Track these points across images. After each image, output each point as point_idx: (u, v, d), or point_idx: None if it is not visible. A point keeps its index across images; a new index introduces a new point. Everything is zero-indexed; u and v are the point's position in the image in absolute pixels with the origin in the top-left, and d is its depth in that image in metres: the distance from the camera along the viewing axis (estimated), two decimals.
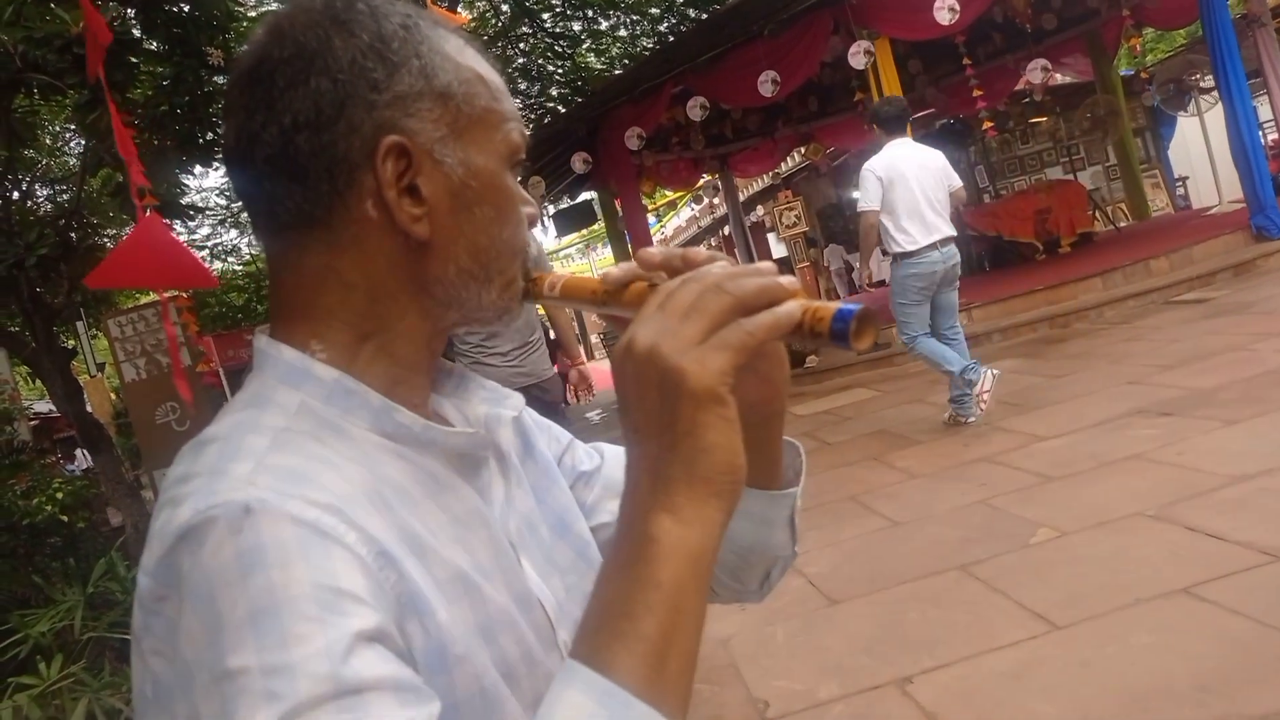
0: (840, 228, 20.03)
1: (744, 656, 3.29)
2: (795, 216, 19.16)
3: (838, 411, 7.30)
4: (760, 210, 20.74)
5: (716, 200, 18.07)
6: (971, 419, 5.57)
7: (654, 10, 12.58)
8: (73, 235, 6.32)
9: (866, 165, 5.64)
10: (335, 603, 0.52)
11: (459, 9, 11.38)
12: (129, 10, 5.25)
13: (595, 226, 16.38)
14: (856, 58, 8.14)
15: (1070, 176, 14.59)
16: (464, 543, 0.67)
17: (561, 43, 13.01)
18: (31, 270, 5.21)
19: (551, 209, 12.82)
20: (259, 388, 0.67)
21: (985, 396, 5.49)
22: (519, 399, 0.83)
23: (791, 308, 0.56)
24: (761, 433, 0.73)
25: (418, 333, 0.70)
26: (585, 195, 12.92)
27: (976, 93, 9.37)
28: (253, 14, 7.09)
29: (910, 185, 5.39)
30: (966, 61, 9.22)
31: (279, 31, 0.66)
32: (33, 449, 7.21)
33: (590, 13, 12.63)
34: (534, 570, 0.74)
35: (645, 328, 0.56)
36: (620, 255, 12.27)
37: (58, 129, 8.93)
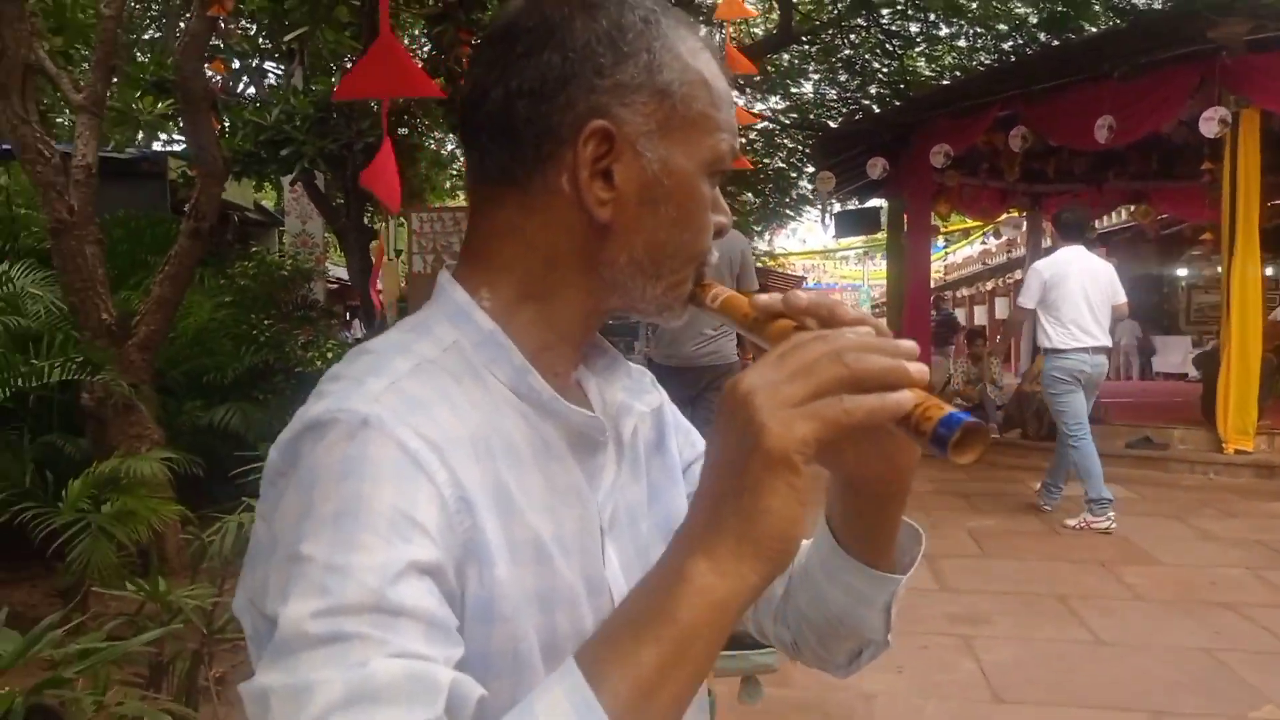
0: (1154, 304, 18.17)
1: None
2: None
3: (1080, 501, 6.64)
4: None
5: (1016, 238, 16.91)
6: (1047, 508, 6.07)
7: (1001, 26, 11.81)
8: (402, 131, 6.96)
9: (1035, 264, 5.98)
10: (405, 529, 0.57)
11: None
12: None
13: (878, 236, 15.87)
14: (1209, 124, 7.22)
15: None
16: (553, 513, 0.69)
17: (894, 42, 12.55)
18: (359, 154, 5.80)
19: (836, 207, 12.52)
20: (426, 317, 0.72)
21: (1090, 524, 5.64)
22: (657, 396, 0.87)
23: (903, 397, 0.55)
24: (877, 511, 0.73)
25: (577, 307, 0.73)
26: (875, 202, 12.49)
27: None
28: None
29: (1072, 289, 5.55)
30: None
31: (532, 3, 0.71)
32: (322, 309, 8.09)
33: (932, 16, 12.07)
34: (618, 560, 0.75)
35: (757, 372, 0.56)
36: (895, 271, 11.80)
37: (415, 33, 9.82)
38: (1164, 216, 13.43)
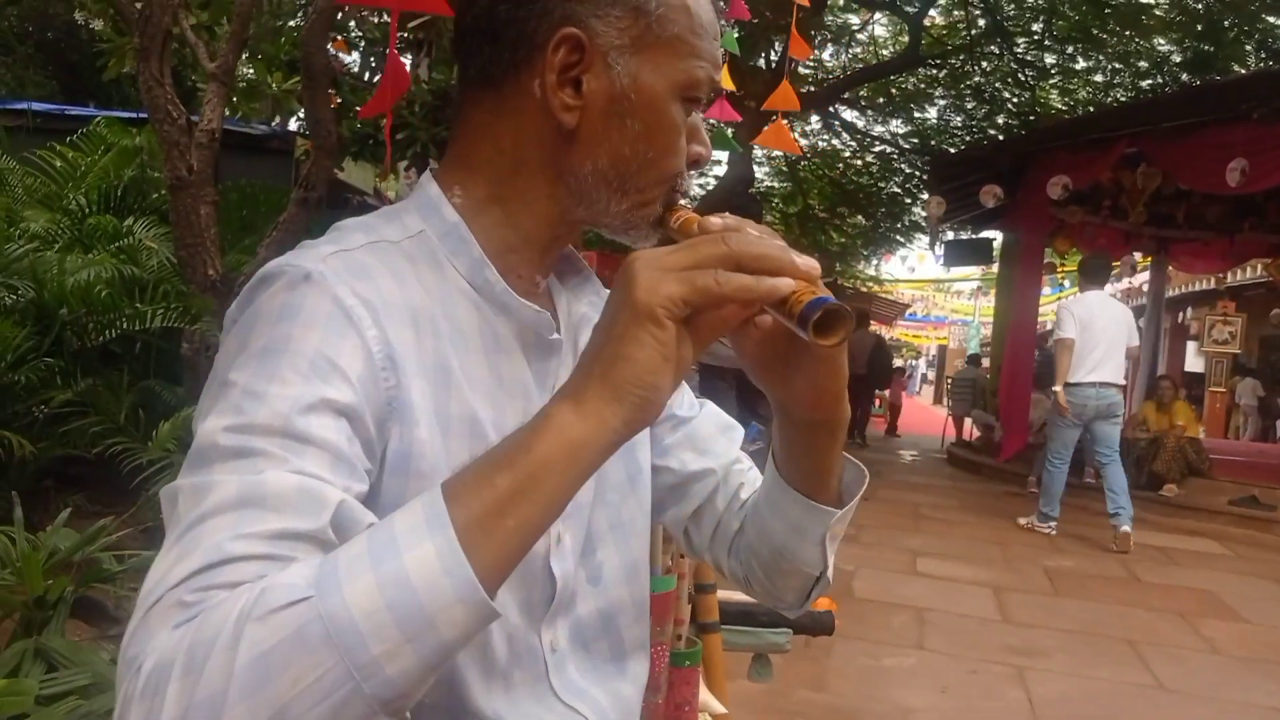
0: None
1: None
2: (1230, 334, 16.53)
3: (1171, 553, 6.33)
4: (1189, 313, 18.23)
5: (1137, 284, 16.17)
6: (1046, 528, 6.62)
7: (1142, 64, 11.35)
8: None
9: (1064, 303, 6.79)
10: (325, 371, 0.62)
11: (932, 12, 11.10)
12: None
13: (993, 271, 15.42)
14: None
15: None
16: (494, 400, 0.74)
17: (1027, 72, 12.19)
18: None
19: (950, 235, 12.23)
20: (401, 207, 0.77)
21: (1035, 526, 6.68)
22: None
23: (778, 282, 0.58)
24: (807, 438, 0.76)
25: (543, 212, 0.76)
26: (989, 233, 12.15)
27: None
28: None
29: (1095, 330, 6.14)
30: None
31: None
32: None
33: (1071, 49, 11.68)
34: None
35: (651, 249, 0.60)
36: (1003, 305, 11.46)
37: None
38: None
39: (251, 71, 5.44)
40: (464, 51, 0.76)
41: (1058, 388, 6.29)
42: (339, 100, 5.31)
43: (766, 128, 2.89)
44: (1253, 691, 3.68)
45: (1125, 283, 17.93)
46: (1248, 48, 10.42)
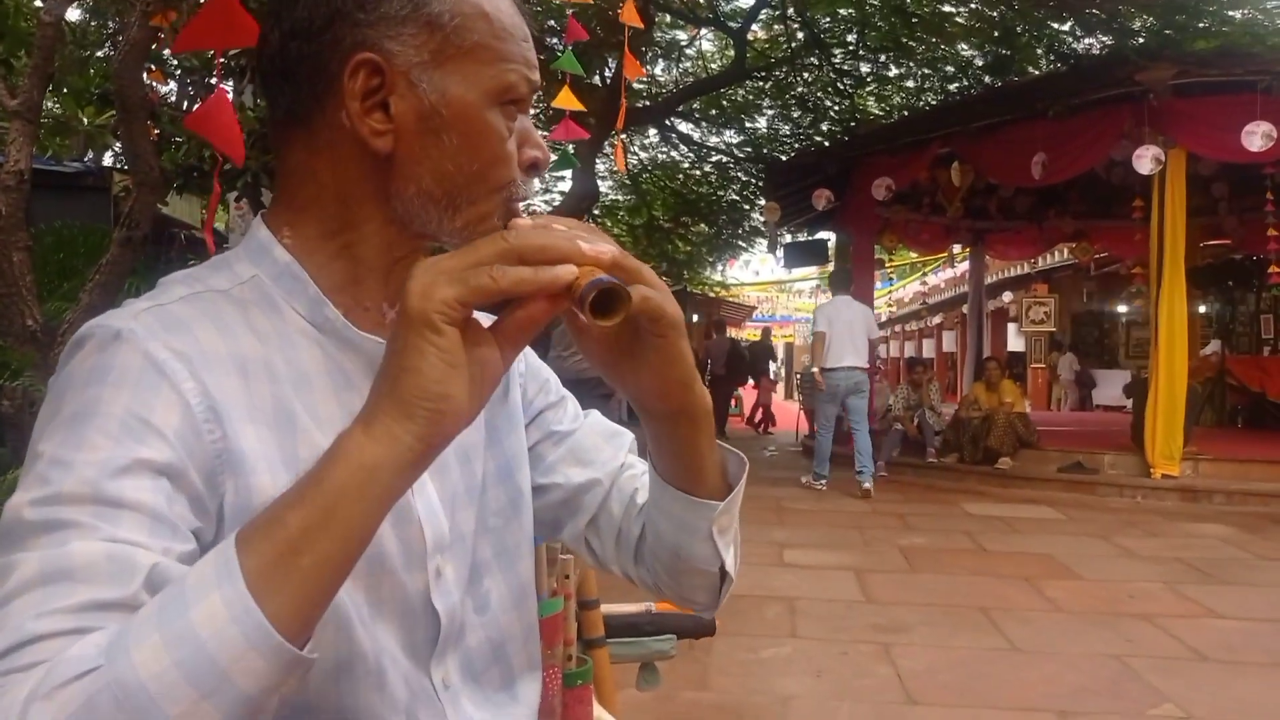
0: (1094, 339, 18.64)
1: None
2: (1045, 313, 18.00)
3: (1011, 521, 6.81)
4: (1008, 297, 19.64)
5: (962, 275, 17.30)
6: (819, 485, 8.04)
7: (948, 68, 12.18)
8: None
9: (818, 306, 8.99)
10: (139, 430, 0.60)
11: (755, 26, 11.55)
12: None
13: (829, 268, 16.14)
14: (1142, 162, 7.53)
15: None
16: None
17: (845, 81, 12.85)
18: None
19: (788, 238, 12.74)
20: (232, 254, 0.75)
21: (811, 483, 8.13)
22: None
23: (560, 270, 0.56)
24: (670, 431, 0.75)
25: (378, 241, 0.74)
26: (823, 234, 12.74)
27: (1271, 232, 8.41)
28: None
29: (839, 326, 7.84)
30: (1269, 197, 8.28)
31: None
32: None
33: (883, 58, 12.41)
34: (436, 495, 0.77)
35: (435, 256, 0.59)
36: None
37: None
38: (1103, 254, 13.86)
39: (59, 106, 5.10)
40: (268, 94, 0.74)
41: (815, 369, 7.98)
42: (158, 132, 5.03)
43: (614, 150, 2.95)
44: (1092, 641, 4.00)
45: (949, 272, 19.16)
46: (1039, 51, 11.35)
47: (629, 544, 0.89)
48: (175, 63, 6.86)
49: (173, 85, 7.31)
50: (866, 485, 7.66)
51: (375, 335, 0.74)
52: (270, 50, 0.72)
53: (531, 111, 0.79)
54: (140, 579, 0.54)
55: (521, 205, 0.76)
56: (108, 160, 8.09)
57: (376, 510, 0.55)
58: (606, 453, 0.92)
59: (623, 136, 8.56)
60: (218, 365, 0.66)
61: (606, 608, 1.98)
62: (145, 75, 4.66)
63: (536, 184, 0.84)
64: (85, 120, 5.10)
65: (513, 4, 0.75)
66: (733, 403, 15.72)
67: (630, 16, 2.53)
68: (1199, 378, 10.13)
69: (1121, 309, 17.97)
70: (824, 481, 8.03)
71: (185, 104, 7.47)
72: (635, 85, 8.97)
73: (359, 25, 0.69)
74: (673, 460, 0.78)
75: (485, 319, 0.67)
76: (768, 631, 4.09)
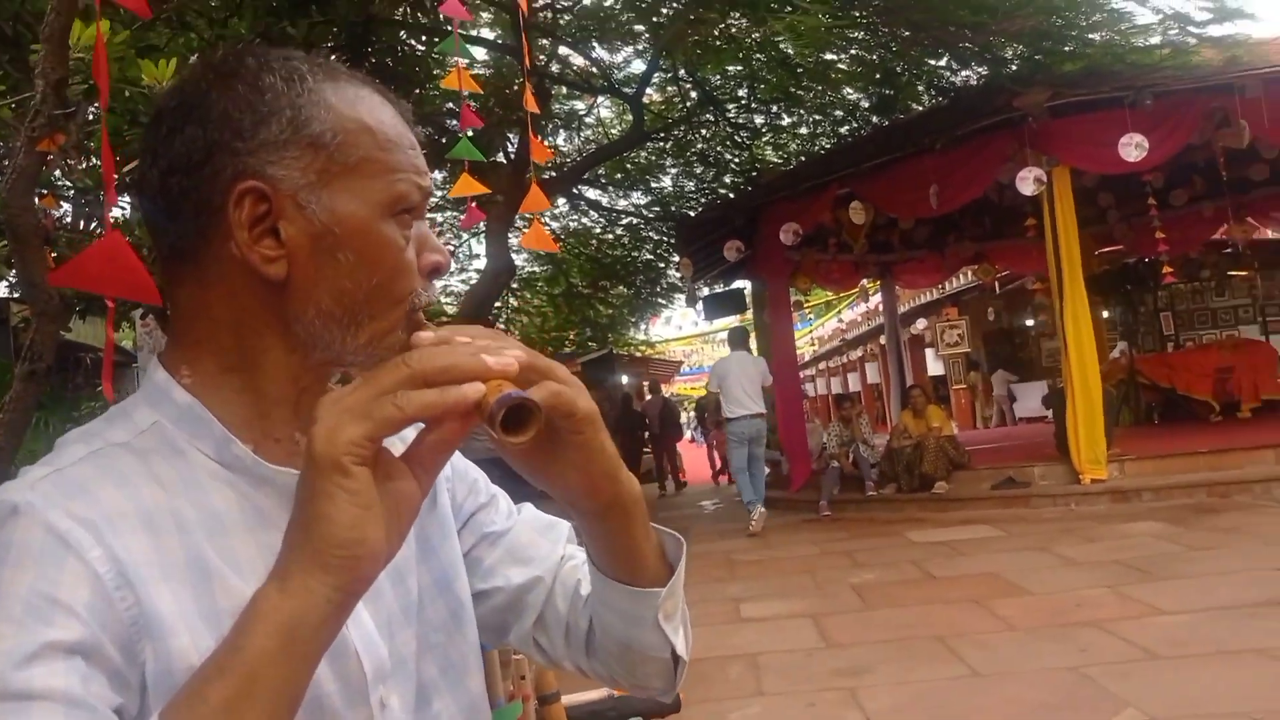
0: (1008, 354, 19.24)
1: None
2: (958, 336, 18.53)
3: (954, 545, 6.91)
4: (922, 324, 20.21)
5: (876, 307, 17.77)
6: (756, 511, 8.67)
7: (838, 113, 12.64)
8: None
9: (713, 366, 9.88)
10: (45, 611, 0.57)
11: (649, 90, 11.85)
12: (333, 56, 5.77)
13: (748, 316, 16.42)
14: (1025, 183, 7.90)
15: (1263, 338, 13.49)
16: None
17: (742, 134, 13.23)
18: None
19: (705, 290, 12.93)
20: (129, 403, 0.72)
21: (754, 524, 8.59)
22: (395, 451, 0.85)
23: (465, 390, 0.55)
24: (602, 525, 0.74)
25: (283, 369, 0.71)
26: (739, 284, 12.98)
27: (1159, 235, 8.86)
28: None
29: (734, 380, 8.77)
30: (1152, 202, 8.75)
31: (176, 85, 0.73)
32: None
33: (775, 109, 12.83)
34: (371, 620, 0.73)
35: (337, 390, 0.58)
36: (763, 347, 12.20)
37: None
38: (1005, 273, 14.40)
39: None
40: (152, 233, 0.73)
41: (721, 419, 9.35)
42: (55, 257, 4.90)
43: (527, 231, 2.98)
44: (1047, 656, 4.07)
45: (864, 305, 19.64)
46: (920, 88, 11.87)
47: (579, 638, 0.87)
48: (68, 184, 6.73)
49: (67, 207, 7.16)
50: (754, 516, 8.65)
51: (289, 467, 0.71)
52: (150, 189, 0.70)
53: (433, 199, 0.79)
54: None
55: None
56: (2, 291, 7.84)
57: (302, 668, 0.53)
58: (545, 547, 0.90)
59: (540, 218, 8.65)
60: (124, 526, 0.63)
61: (567, 699, 1.94)
62: (37, 200, 4.56)
63: (439, 283, 0.82)
64: None
65: (395, 113, 0.74)
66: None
67: (530, 104, 2.57)
68: (1112, 380, 10.54)
69: (1030, 322, 18.65)
70: (756, 506, 8.74)
71: (82, 224, 7.30)
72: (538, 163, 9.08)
73: (239, 154, 0.68)
74: (610, 554, 0.76)
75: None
76: (733, 693, 4.06)
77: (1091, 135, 8.05)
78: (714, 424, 11.28)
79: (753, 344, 10.47)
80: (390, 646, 0.74)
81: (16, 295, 7.68)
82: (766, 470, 9.34)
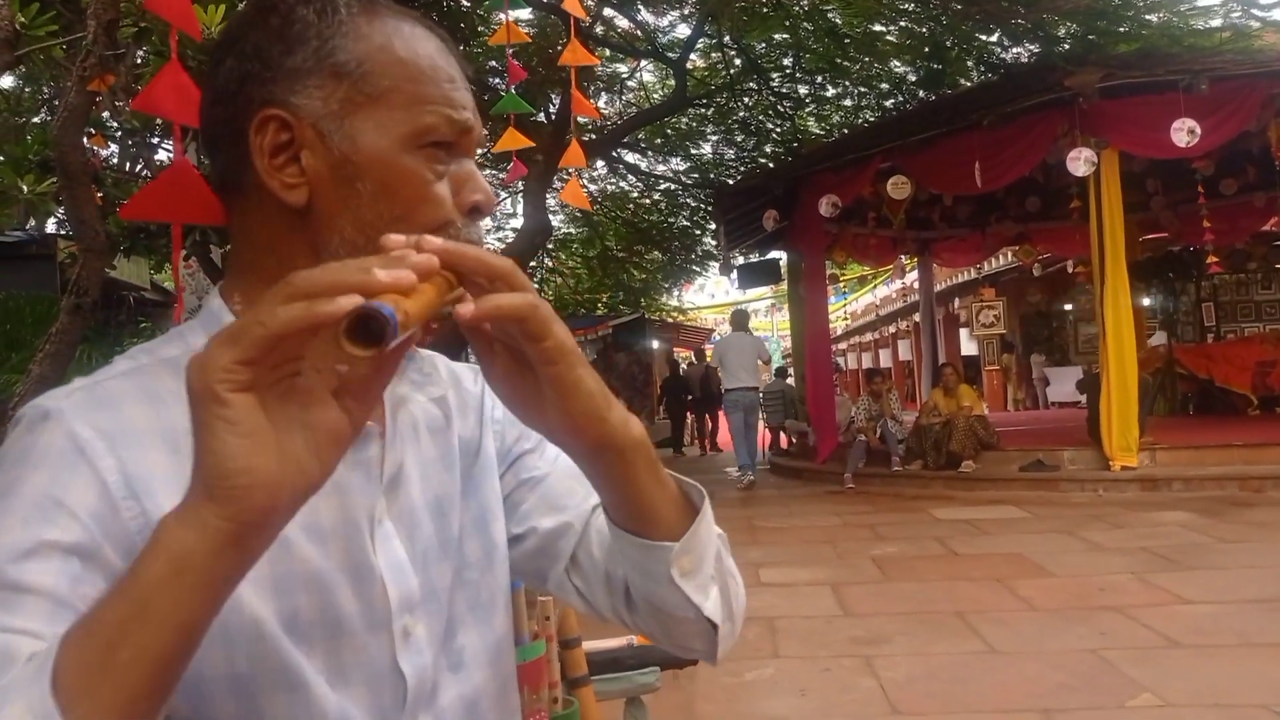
0: (1043, 338, 19.02)
1: None
2: (994, 316, 18.34)
3: (979, 523, 6.90)
4: (957, 303, 20.00)
5: (912, 284, 17.59)
6: (746, 477, 9.96)
7: (883, 85, 12.46)
8: None
9: (715, 343, 10.64)
10: (50, 511, 0.60)
11: (693, 55, 11.73)
12: None
13: (783, 287, 16.32)
14: (1076, 164, 7.76)
15: None
16: None
17: (785, 104, 13.08)
18: None
19: (740, 259, 12.88)
20: (185, 326, 0.75)
21: (741, 483, 9.89)
22: (445, 388, 0.84)
23: (340, 302, 0.50)
24: (596, 468, 0.70)
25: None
26: (774, 254, 12.91)
27: (1205, 224, 8.68)
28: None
29: (733, 356, 10.02)
30: (1200, 190, 8.57)
31: (228, 22, 0.77)
32: None
33: (820, 79, 12.66)
34: (405, 551, 0.74)
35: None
36: (797, 319, 12.15)
37: None
38: (1046, 255, 14.19)
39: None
40: (211, 164, 0.74)
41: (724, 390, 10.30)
42: (102, 196, 4.98)
43: (564, 187, 2.98)
44: (1067, 637, 4.07)
45: (899, 282, 19.44)
46: (969, 63, 11.66)
47: (619, 589, 0.83)
48: (115, 125, 6.82)
49: (114, 148, 7.26)
50: (746, 479, 9.90)
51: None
52: (204, 120, 0.73)
53: (478, 153, 0.79)
54: (15, 670, 0.52)
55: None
56: (51, 227, 7.98)
57: (195, 596, 0.52)
58: (579, 494, 0.86)
59: (574, 172, 8.62)
60: (144, 441, 0.65)
61: (588, 644, 1.98)
62: (86, 140, 4.63)
63: (487, 223, 0.81)
64: (25, 189, 5.04)
65: (439, 46, 0.74)
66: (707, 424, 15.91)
67: (580, 55, 2.57)
68: (1149, 369, 10.38)
69: (1068, 307, 18.40)
70: (749, 471, 10.00)
71: (128, 165, 7.40)
72: (580, 120, 9.04)
73: (265, 83, 0.69)
74: (615, 501, 0.72)
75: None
76: (750, 654, 4.10)
77: (1143, 118, 7.89)
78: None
79: (780, 323, 10.45)
80: (423, 578, 0.75)
81: (63, 232, 7.84)
82: (784, 443, 10.37)
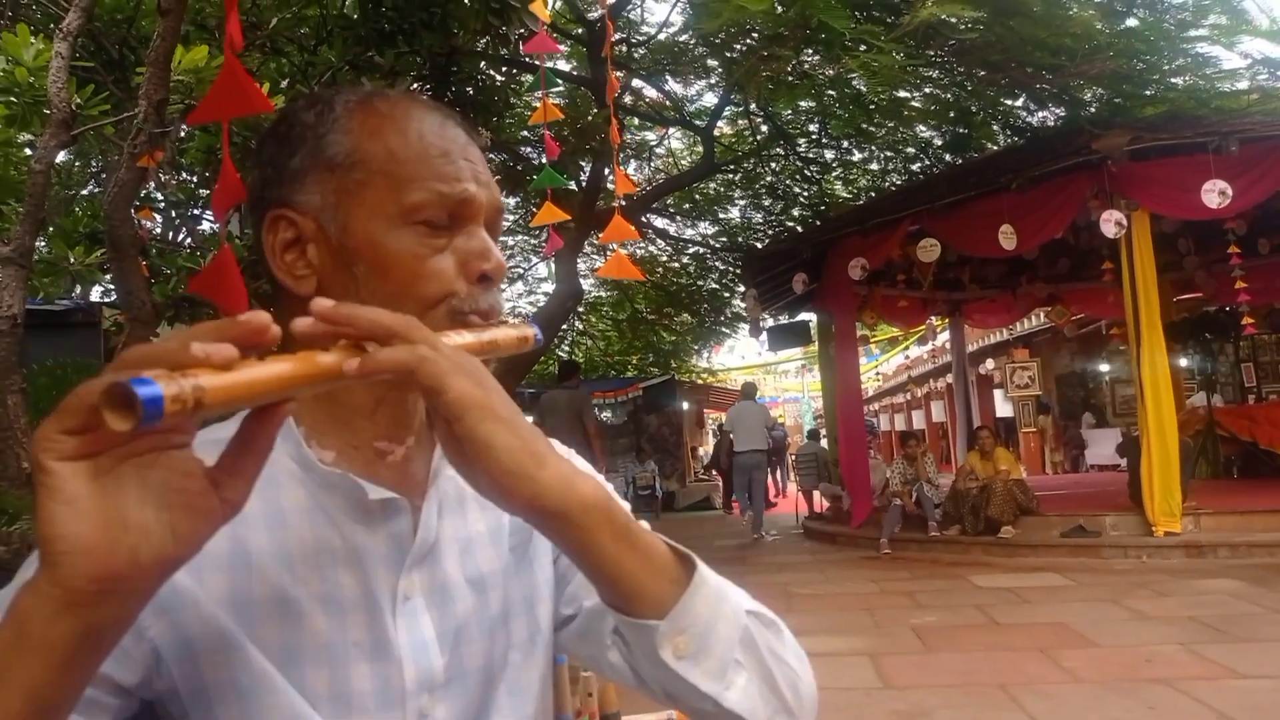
0: (1079, 399, 18.76)
1: None
2: (1029, 378, 18.16)
3: (1020, 591, 6.74)
4: (990, 364, 19.83)
5: (944, 345, 17.50)
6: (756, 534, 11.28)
7: (910, 149, 12.57)
8: None
9: (728, 412, 13.11)
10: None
11: (720, 122, 11.94)
12: (417, 84, 5.94)
13: (813, 348, 16.30)
14: (1108, 226, 7.74)
15: None
16: (320, 571, 0.71)
17: (812, 168, 13.23)
18: None
19: (770, 321, 12.90)
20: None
21: (754, 533, 11.37)
22: None
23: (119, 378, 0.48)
24: (547, 533, 0.64)
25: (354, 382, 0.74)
26: (804, 316, 12.93)
27: (1240, 284, 8.59)
28: (535, 101, 7.79)
29: (743, 423, 11.64)
30: (1234, 249, 8.51)
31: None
32: None
33: (846, 144, 12.81)
34: (433, 629, 0.74)
35: None
36: (829, 381, 12.12)
37: None
38: (1079, 316, 14.07)
39: (47, 248, 5.19)
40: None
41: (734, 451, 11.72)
42: (148, 266, 5.12)
43: (609, 260, 3.03)
44: (1115, 711, 3.93)
45: (929, 345, 19.34)
46: (995, 127, 11.75)
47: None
48: (161, 198, 7.04)
49: (159, 219, 7.48)
50: (755, 536, 11.12)
51: (369, 472, 0.75)
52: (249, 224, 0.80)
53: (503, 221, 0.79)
54: None
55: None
56: (95, 294, 8.18)
57: (36, 662, 0.51)
58: None
59: (623, 250, 8.74)
60: None
61: (628, 719, 1.95)
62: (134, 213, 4.78)
63: (519, 288, 0.81)
64: (74, 260, 5.20)
65: (437, 121, 0.76)
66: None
67: (614, 138, 2.64)
68: (1189, 431, 10.20)
69: (1104, 367, 18.17)
70: (762, 528, 11.37)
71: (172, 235, 7.62)
72: (608, 186, 9.20)
73: (275, 185, 0.75)
74: (585, 572, 0.66)
75: None
76: None
77: (1173, 180, 7.87)
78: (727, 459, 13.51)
79: (819, 386, 10.40)
80: (452, 657, 0.74)
81: (108, 300, 8.02)
82: (818, 506, 10.57)
